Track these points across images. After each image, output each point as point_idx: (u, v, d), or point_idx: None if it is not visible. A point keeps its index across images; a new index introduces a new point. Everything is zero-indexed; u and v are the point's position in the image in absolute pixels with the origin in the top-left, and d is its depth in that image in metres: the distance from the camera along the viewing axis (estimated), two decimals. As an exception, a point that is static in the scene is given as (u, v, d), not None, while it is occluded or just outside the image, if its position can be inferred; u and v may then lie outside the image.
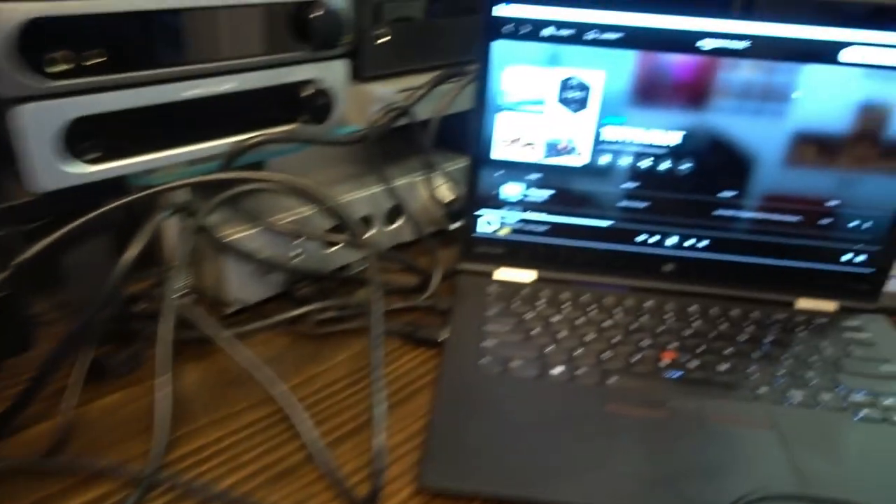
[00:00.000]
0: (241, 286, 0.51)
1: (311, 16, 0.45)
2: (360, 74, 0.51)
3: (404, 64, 0.53)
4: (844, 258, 0.56)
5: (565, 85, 0.51)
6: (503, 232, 0.57)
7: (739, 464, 0.40)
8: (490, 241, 0.58)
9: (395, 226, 0.61)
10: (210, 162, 0.47)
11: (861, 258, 0.55)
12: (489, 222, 0.57)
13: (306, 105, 0.48)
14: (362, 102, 0.52)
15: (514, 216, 0.57)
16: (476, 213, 0.57)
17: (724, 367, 0.48)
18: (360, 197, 0.57)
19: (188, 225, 0.44)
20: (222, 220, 0.50)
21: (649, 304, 0.55)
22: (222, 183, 0.45)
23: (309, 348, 0.51)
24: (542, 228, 0.57)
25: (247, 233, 0.49)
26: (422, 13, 0.55)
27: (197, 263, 0.53)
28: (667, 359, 0.49)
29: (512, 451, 0.40)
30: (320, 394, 0.46)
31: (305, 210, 0.52)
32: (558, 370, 0.47)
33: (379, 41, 0.50)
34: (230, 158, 0.46)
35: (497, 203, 0.56)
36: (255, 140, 0.46)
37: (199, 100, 0.44)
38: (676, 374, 0.47)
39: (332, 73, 0.49)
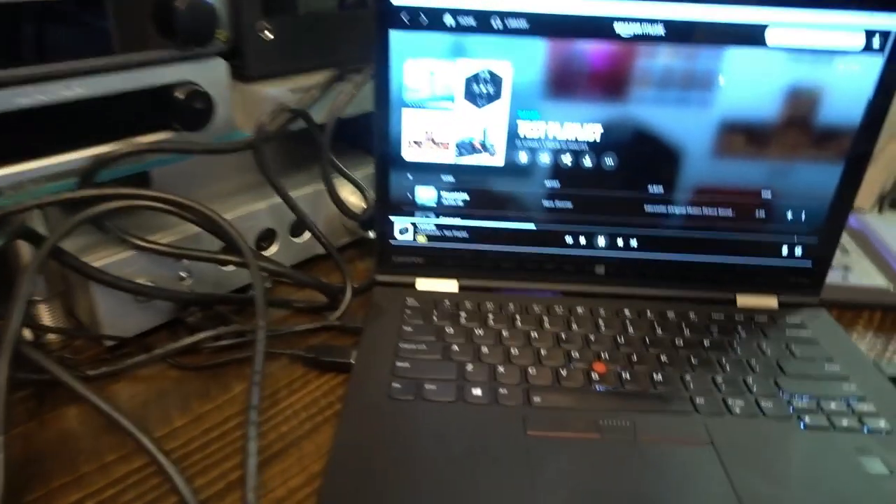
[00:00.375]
0: (117, 317, 0.45)
1: (176, 7, 0.39)
2: (244, 74, 0.46)
3: (296, 62, 0.48)
4: (782, 251, 0.52)
5: (472, 79, 0.46)
6: (420, 239, 0.53)
7: (676, 489, 0.36)
8: (407, 249, 0.53)
9: (303, 238, 0.55)
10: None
11: (799, 250, 0.52)
12: (404, 230, 0.52)
13: (181, 110, 0.42)
14: (251, 105, 0.47)
15: (430, 222, 0.52)
16: (389, 220, 0.52)
17: (659, 377, 0.44)
18: (259, 209, 0.51)
19: (39, 253, 0.38)
20: (89, 244, 0.44)
21: (581, 310, 0.51)
22: (77, 202, 0.39)
23: (199, 382, 0.45)
24: (462, 234, 0.52)
25: (118, 256, 0.43)
26: (335, 7, 0.50)
27: (69, 294, 0.46)
28: (598, 371, 0.45)
29: (420, 495, 0.35)
30: (208, 436, 0.41)
31: (191, 227, 0.46)
32: (478, 392, 0.42)
33: (264, 36, 0.45)
34: (88, 173, 0.40)
35: (411, 208, 0.51)
36: (119, 152, 0.40)
37: (47, 108, 0.38)
38: (608, 388, 0.43)
39: (208, 73, 0.43)
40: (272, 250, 0.54)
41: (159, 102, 0.42)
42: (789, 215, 0.51)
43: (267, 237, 0.53)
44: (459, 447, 0.38)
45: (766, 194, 0.50)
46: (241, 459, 0.38)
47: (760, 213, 0.51)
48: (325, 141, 0.47)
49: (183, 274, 0.48)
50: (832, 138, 0.48)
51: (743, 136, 0.48)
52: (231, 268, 0.50)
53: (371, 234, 0.57)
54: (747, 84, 0.47)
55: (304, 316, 0.52)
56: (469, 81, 0.46)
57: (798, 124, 0.48)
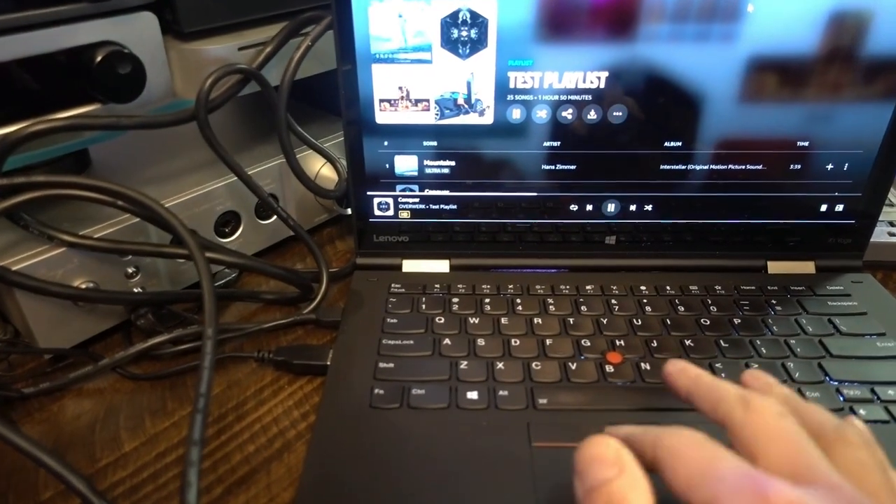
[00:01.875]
0: (55, 325, 0.39)
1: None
2: (180, 30, 0.38)
3: (241, 11, 0.40)
4: (820, 208, 0.45)
5: (451, 21, 0.39)
6: (404, 215, 0.46)
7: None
8: (389, 227, 0.46)
9: (272, 220, 0.49)
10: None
11: (840, 207, 0.45)
12: (384, 205, 0.46)
13: (103, 78, 0.35)
14: (191, 68, 0.39)
15: (414, 194, 0.45)
16: (366, 195, 0.45)
17: (684, 365, 0.38)
18: (217, 189, 0.44)
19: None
20: (10, 243, 0.37)
21: (590, 288, 0.44)
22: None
23: (154, 395, 0.39)
24: (451, 207, 0.46)
25: (46, 256, 0.37)
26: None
27: (3, 303, 0.40)
28: (613, 362, 0.38)
29: (406, 528, 0.29)
30: (161, 461, 0.35)
31: (132, 217, 0.40)
32: (474, 395, 0.36)
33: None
34: (-8, 160, 0.33)
35: (390, 180, 0.45)
36: (26, 131, 0.33)
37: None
38: (625, 382, 0.37)
39: (133, 30, 0.36)
40: (236, 235, 0.47)
41: (78, 70, 0.35)
42: (829, 167, 0.44)
43: (229, 221, 0.47)
44: (453, 465, 0.32)
45: (802, 144, 0.43)
46: (204, 486, 0.33)
47: (796, 166, 0.44)
48: (280, 105, 0.40)
49: (130, 270, 0.41)
50: (882, 74, 0.41)
51: (775, 75, 0.41)
52: (185, 260, 0.43)
53: (348, 211, 0.50)
54: (781, 10, 0.39)
55: (276, 309, 0.46)
56: (447, 25, 0.38)
57: (841, 58, 0.40)
